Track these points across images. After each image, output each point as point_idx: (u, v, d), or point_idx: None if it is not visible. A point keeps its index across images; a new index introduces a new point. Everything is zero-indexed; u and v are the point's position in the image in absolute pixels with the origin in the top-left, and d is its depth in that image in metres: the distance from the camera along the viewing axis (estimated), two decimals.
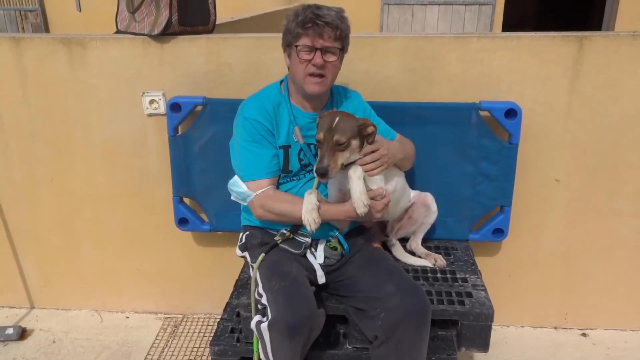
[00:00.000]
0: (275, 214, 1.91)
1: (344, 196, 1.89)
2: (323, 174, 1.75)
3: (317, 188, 1.94)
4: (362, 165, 1.83)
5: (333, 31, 1.81)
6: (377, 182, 1.88)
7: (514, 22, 7.30)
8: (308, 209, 1.79)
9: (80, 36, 2.43)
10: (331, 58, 1.85)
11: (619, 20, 6.54)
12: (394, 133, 2.14)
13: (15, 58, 2.46)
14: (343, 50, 1.89)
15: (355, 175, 1.78)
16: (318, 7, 1.83)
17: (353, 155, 1.83)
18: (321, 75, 1.85)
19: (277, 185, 1.99)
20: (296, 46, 1.83)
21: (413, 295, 1.78)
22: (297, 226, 1.95)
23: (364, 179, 1.81)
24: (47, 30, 8.02)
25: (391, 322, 1.74)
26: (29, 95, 2.51)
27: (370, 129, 1.85)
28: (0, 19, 8.28)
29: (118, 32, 2.53)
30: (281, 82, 2.03)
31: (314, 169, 1.79)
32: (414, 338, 1.75)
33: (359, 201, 1.75)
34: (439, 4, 7.04)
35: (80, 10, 7.90)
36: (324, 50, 1.83)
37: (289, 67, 1.94)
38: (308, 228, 1.80)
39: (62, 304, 2.90)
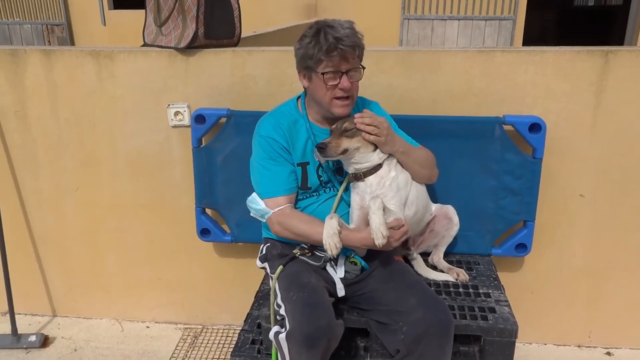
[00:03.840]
0: (292, 232, 1.92)
1: (365, 215, 1.87)
2: (321, 147, 1.80)
3: (336, 210, 1.94)
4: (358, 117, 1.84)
5: (355, 52, 1.82)
6: (395, 213, 1.87)
7: (534, 37, 7.28)
8: (330, 234, 1.78)
9: (109, 49, 2.48)
10: (356, 77, 1.86)
11: None
12: (415, 144, 2.12)
13: (45, 70, 2.52)
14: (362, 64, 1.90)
15: (375, 206, 1.78)
16: (332, 26, 1.79)
17: (363, 148, 1.85)
18: (347, 97, 1.86)
19: (296, 202, 1.99)
20: (322, 73, 1.82)
21: (435, 309, 1.77)
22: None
23: (383, 210, 1.81)
24: (72, 43, 8.20)
25: (413, 336, 1.73)
26: (57, 107, 2.57)
27: None
28: (28, 33, 8.49)
29: (145, 45, 2.58)
30: (298, 98, 2.03)
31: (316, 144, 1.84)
32: (437, 352, 1.73)
33: (378, 232, 1.74)
34: (459, 19, 7.04)
35: (104, 24, 8.08)
36: (349, 72, 1.83)
37: (305, 88, 1.94)
38: (329, 252, 1.79)
39: (84, 313, 2.92)
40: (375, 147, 1.88)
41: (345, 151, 1.83)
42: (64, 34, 8.24)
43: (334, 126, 1.87)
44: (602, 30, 9.56)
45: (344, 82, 1.82)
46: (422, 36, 7.19)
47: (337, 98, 1.85)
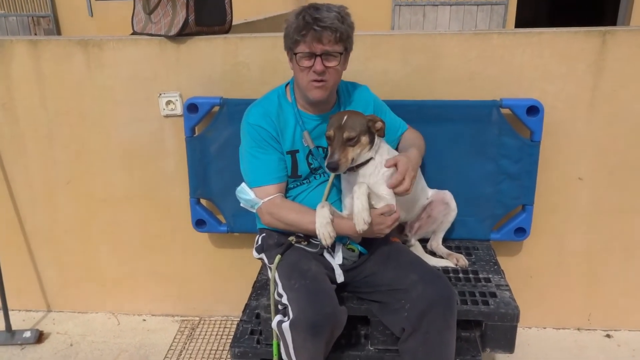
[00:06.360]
0: (283, 222, 1.90)
1: None
2: (334, 168, 1.76)
3: (328, 197, 1.92)
4: (391, 187, 1.79)
5: (333, 34, 1.74)
6: (387, 199, 1.84)
7: (526, 21, 7.24)
8: (322, 223, 1.76)
9: (97, 38, 2.43)
10: (332, 63, 1.79)
11: (634, 18, 6.47)
12: (404, 125, 2.11)
13: (32, 61, 2.46)
14: (347, 51, 1.84)
15: (360, 191, 1.75)
16: (317, 8, 1.76)
17: (363, 151, 1.82)
18: (323, 81, 1.81)
19: (287, 190, 1.97)
20: (295, 54, 1.79)
21: (436, 283, 1.75)
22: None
23: (371, 196, 1.78)
24: (59, 35, 8.09)
25: (417, 312, 1.71)
26: (46, 98, 2.51)
27: (379, 124, 1.83)
28: (13, 25, 8.37)
29: (134, 33, 2.52)
30: (287, 85, 2.00)
31: (325, 163, 1.79)
32: (442, 326, 1.71)
33: (360, 217, 1.72)
34: (451, 4, 7.01)
35: (92, 15, 7.98)
36: (325, 55, 1.77)
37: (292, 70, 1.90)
38: (323, 242, 1.76)
39: (79, 307, 2.89)
40: (371, 145, 1.84)
41: (352, 160, 1.81)
42: (50, 25, 8.13)
43: (331, 133, 1.79)
44: (595, 13, 9.53)
45: (317, 65, 1.76)
46: (414, 22, 7.16)
47: (312, 81, 1.81)
